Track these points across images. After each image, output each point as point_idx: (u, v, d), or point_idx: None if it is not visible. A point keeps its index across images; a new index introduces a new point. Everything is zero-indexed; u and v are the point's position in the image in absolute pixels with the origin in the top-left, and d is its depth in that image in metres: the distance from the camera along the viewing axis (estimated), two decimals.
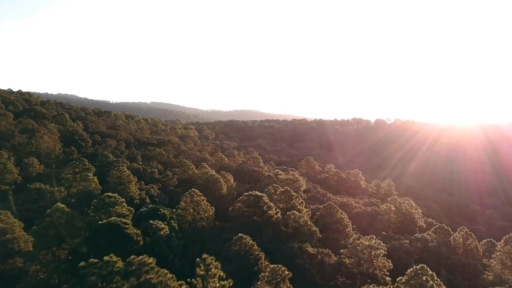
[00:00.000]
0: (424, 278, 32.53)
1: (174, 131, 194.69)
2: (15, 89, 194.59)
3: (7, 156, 54.26)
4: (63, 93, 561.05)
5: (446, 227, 59.93)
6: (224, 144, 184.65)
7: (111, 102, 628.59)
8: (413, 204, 71.30)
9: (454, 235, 55.19)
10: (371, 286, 31.27)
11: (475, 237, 54.54)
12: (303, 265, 39.68)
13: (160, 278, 20.53)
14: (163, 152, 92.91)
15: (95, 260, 21.55)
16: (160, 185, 62.77)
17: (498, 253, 45.40)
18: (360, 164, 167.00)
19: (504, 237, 45.61)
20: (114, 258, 21.60)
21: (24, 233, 35.94)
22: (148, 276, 20.24)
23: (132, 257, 21.45)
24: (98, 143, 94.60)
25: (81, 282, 21.46)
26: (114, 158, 72.69)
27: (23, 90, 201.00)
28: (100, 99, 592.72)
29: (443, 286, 34.49)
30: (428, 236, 56.71)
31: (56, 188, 49.67)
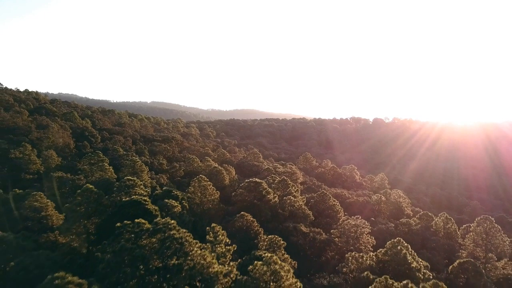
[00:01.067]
0: (399, 247, 38.24)
1: (176, 129, 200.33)
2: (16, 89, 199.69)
3: (30, 148, 59.85)
4: (63, 92, 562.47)
5: (430, 214, 65.60)
6: (225, 141, 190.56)
7: (112, 101, 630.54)
8: (401, 194, 76.88)
9: (436, 220, 60.80)
10: (353, 253, 36.82)
11: (454, 221, 60.25)
12: (297, 242, 45.18)
13: (180, 234, 26.05)
14: (168, 148, 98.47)
15: (128, 222, 27.08)
16: (168, 175, 68.39)
17: (471, 233, 50.99)
18: (359, 162, 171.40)
19: (476, 219, 51.21)
20: (143, 221, 27.15)
21: (56, 211, 41.58)
22: (172, 232, 25.75)
23: (158, 219, 26.99)
24: (106, 139, 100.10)
25: (117, 238, 26.95)
26: (124, 152, 78.26)
27: (24, 90, 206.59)
28: (100, 99, 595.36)
29: (416, 257, 40.29)
30: (412, 221, 62.37)
31: (76, 176, 55.21)
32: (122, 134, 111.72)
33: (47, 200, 41.10)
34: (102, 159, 62.74)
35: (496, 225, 49.67)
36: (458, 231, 59.69)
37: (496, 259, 50.65)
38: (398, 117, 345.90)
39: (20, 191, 44.68)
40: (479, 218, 50.63)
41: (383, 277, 30.04)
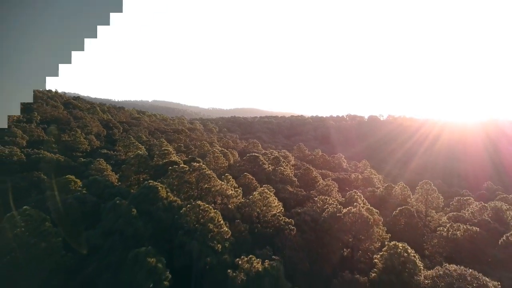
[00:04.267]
0: (353, 195, 55.22)
1: (182, 125, 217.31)
2: None
3: (80, 133, 76.79)
4: (66, 91, 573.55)
5: (393, 185, 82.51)
6: (227, 136, 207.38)
7: (114, 100, 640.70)
8: (373, 172, 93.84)
9: (395, 187, 77.75)
10: (322, 197, 53.77)
11: (409, 189, 77.23)
12: (284, 197, 62.08)
13: (209, 172, 42.96)
14: (181, 137, 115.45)
15: (176, 166, 44.03)
16: (185, 156, 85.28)
17: (416, 195, 67.87)
18: (355, 157, 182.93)
19: (419, 183, 68.10)
20: (185, 165, 44.13)
21: (112, 172, 58.53)
22: (204, 171, 42.65)
23: (194, 163, 43.93)
24: (127, 129, 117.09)
25: (168, 177, 43.83)
26: (147, 138, 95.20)
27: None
28: (103, 98, 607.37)
29: (367, 202, 57.11)
30: (378, 190, 79.34)
31: (117, 153, 72.14)
32: (139, 126, 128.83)
33: (107, 164, 58.03)
34: (134, 142, 79.78)
35: (433, 187, 66.61)
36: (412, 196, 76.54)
37: (435, 212, 67.79)
38: (392, 115, 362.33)
39: (84, 159, 61.60)
40: (421, 182, 67.57)
41: (334, 204, 47.09)
